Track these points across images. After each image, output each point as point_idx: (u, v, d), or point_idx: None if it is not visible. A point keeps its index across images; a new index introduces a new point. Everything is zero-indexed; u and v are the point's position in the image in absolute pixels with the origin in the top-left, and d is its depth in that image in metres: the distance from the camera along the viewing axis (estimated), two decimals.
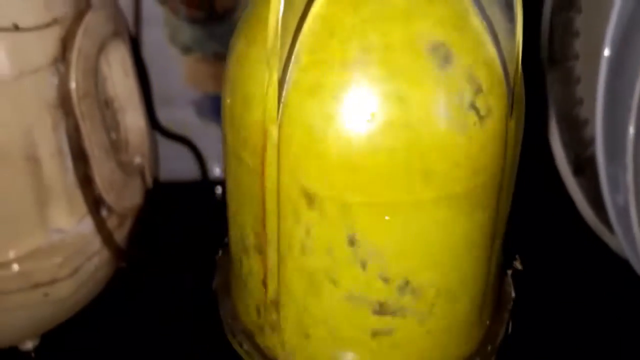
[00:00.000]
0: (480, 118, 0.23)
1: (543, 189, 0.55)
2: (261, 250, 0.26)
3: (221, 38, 0.54)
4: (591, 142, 0.45)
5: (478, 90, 0.23)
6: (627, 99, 0.42)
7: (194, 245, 0.42)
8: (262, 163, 0.24)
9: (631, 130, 0.42)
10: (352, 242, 0.24)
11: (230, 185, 0.28)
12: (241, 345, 0.28)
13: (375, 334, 0.26)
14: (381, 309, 0.25)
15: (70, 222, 0.44)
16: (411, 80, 0.23)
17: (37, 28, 0.39)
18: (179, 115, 0.58)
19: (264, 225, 0.25)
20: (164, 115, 0.58)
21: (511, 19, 0.23)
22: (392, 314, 0.26)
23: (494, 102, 0.24)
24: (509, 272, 0.30)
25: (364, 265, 0.25)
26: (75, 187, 0.44)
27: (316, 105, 0.24)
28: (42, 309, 0.45)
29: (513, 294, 0.30)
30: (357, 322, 0.26)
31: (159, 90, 0.57)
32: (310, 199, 0.24)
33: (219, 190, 0.61)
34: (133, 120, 0.49)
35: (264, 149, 0.24)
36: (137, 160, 0.51)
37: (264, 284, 0.26)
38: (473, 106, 0.23)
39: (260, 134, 0.24)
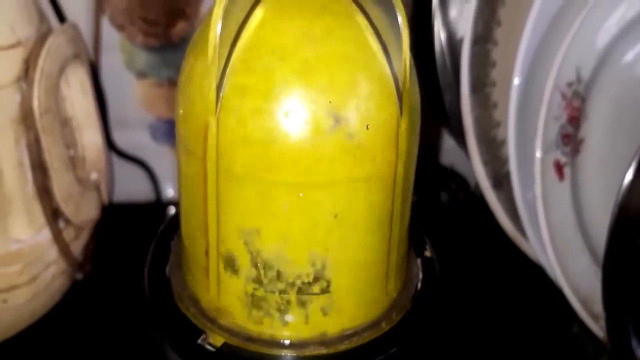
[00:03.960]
0: (374, 116, 0.29)
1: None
2: (204, 226, 0.31)
3: (175, 64, 0.58)
4: (507, 160, 0.50)
5: (372, 95, 0.29)
6: (535, 123, 0.47)
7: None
8: (205, 149, 0.30)
9: (538, 153, 0.47)
10: (274, 215, 0.30)
11: (180, 176, 0.33)
12: (188, 309, 0.33)
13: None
14: (292, 273, 0.31)
15: (29, 232, 0.47)
16: (318, 87, 0.29)
17: (2, 49, 0.43)
18: (134, 138, 0.62)
19: (206, 203, 0.30)
20: (119, 138, 0.61)
21: (399, 46, 0.30)
22: (305, 278, 0.31)
23: (386, 104, 0.30)
24: (419, 259, 0.35)
25: (281, 236, 0.30)
26: (34, 198, 0.46)
27: (245, 104, 0.29)
28: (1, 315, 0.47)
29: (420, 276, 0.34)
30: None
31: (115, 113, 0.60)
32: (241, 178, 0.29)
33: (171, 210, 0.64)
34: (90, 138, 0.53)
35: (205, 138, 0.29)
36: (94, 176, 0.54)
37: (206, 253, 0.31)
38: (368, 107, 0.29)
39: (203, 127, 0.30)
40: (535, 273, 0.51)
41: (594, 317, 0.47)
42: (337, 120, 0.29)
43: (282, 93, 0.29)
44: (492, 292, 0.54)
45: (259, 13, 0.30)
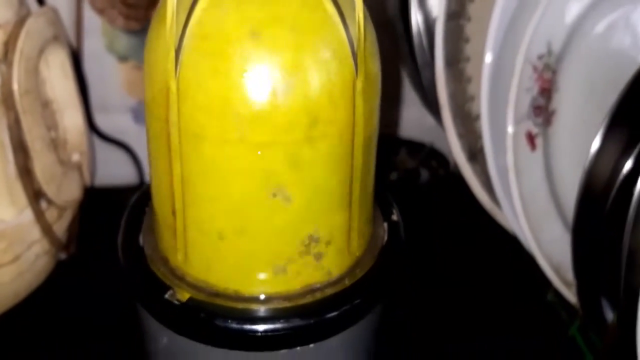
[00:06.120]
0: (330, 77, 0.30)
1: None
2: (170, 187, 0.32)
3: None
4: (481, 134, 0.51)
5: (328, 55, 0.30)
6: (506, 97, 0.48)
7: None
8: (167, 111, 0.31)
9: (510, 123, 0.48)
10: (235, 173, 0.31)
11: (148, 140, 0.34)
12: (158, 269, 0.35)
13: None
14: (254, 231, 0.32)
15: (11, 212, 0.47)
16: (273, 47, 0.30)
17: None
18: (117, 121, 0.62)
19: (171, 165, 0.31)
20: (102, 122, 0.62)
21: (354, 8, 0.31)
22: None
23: (342, 65, 0.31)
24: (386, 223, 0.36)
25: (242, 195, 0.31)
26: (15, 179, 0.47)
27: (203, 65, 0.30)
28: None
29: (386, 238, 0.35)
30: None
31: (97, 97, 0.61)
32: (201, 138, 0.30)
33: None
34: (71, 119, 0.53)
35: (167, 100, 0.31)
36: (76, 157, 0.54)
37: (173, 213, 0.33)
38: (325, 67, 0.30)
39: (164, 90, 0.31)
40: (511, 243, 0.52)
41: (567, 285, 0.48)
42: (294, 79, 0.29)
43: (239, 54, 0.29)
44: (469, 262, 0.56)
45: None
